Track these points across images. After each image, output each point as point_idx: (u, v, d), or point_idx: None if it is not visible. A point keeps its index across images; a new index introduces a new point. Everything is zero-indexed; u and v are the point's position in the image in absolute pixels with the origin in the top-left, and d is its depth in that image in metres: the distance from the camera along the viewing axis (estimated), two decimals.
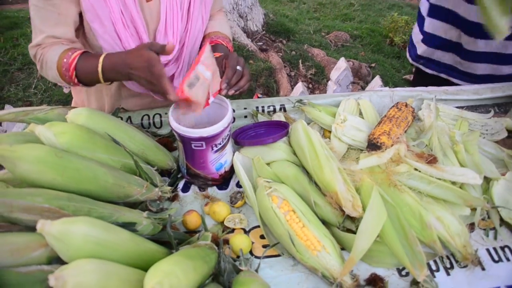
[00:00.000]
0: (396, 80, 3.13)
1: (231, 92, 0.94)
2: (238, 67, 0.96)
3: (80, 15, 1.00)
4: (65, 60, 0.95)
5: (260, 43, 3.21)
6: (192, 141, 0.89)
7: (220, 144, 0.91)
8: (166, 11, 1.04)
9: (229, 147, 0.97)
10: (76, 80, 0.97)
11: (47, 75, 1.02)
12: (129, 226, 0.75)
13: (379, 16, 4.18)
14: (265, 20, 3.62)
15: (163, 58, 1.08)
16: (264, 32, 3.44)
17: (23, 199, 0.71)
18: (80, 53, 0.96)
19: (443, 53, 1.48)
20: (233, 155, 0.98)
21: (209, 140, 0.88)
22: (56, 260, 0.67)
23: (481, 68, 1.42)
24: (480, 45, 1.35)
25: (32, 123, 0.87)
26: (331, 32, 3.74)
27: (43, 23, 0.97)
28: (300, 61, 2.96)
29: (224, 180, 1.01)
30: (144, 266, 0.66)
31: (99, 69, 0.93)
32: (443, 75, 1.53)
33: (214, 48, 1.11)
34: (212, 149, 0.91)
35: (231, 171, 1.01)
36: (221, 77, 0.93)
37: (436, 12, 1.41)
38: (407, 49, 1.72)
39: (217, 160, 0.95)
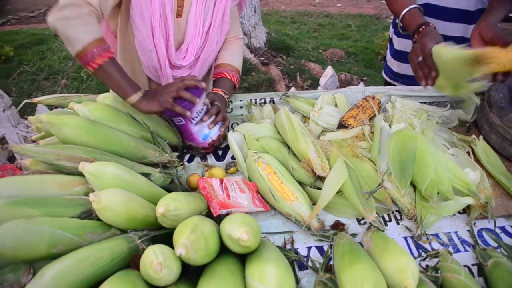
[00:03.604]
0: None
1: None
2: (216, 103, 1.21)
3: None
4: (95, 50, 1.03)
5: (262, 58, 3.50)
6: (173, 118, 1.13)
7: (197, 117, 1.14)
8: (190, 28, 1.29)
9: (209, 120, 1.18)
10: (91, 71, 1.07)
11: (61, 26, 1.03)
12: (145, 175, 0.97)
13: (373, 36, 4.47)
14: (268, 38, 3.92)
15: (182, 62, 1.33)
16: (266, 48, 3.73)
17: (67, 151, 0.94)
18: (112, 56, 1.07)
19: None
20: (217, 127, 1.19)
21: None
22: None
23: None
24: None
25: (71, 102, 1.11)
26: (328, 49, 4.03)
27: None
28: (297, 74, 3.23)
29: (215, 148, 1.22)
30: (156, 203, 0.87)
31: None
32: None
33: (217, 81, 1.36)
34: (192, 123, 1.13)
35: (219, 141, 1.22)
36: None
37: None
38: (383, 69, 1.88)
39: (201, 131, 1.16)
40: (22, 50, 3.91)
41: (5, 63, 3.68)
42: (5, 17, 5.42)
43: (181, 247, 0.68)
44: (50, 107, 1.92)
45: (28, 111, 2.70)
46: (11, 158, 2.47)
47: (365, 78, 3.49)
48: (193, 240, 0.70)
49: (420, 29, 1.18)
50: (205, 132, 1.17)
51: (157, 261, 0.68)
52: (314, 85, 3.08)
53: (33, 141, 1.44)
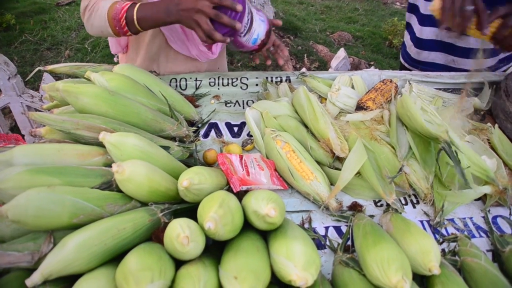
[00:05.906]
0: None
1: None
2: None
3: None
4: (117, 5, 1.09)
5: None
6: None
7: (244, 30, 1.10)
8: None
9: (255, 24, 1.12)
10: (125, 28, 1.10)
11: (92, 24, 1.14)
12: (164, 148, 0.96)
13: (381, 21, 4.41)
14: (275, 18, 3.85)
15: None
16: (273, 28, 3.66)
17: (86, 120, 0.92)
18: (131, 2, 1.10)
19: (436, 54, 1.63)
20: (263, 24, 1.15)
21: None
22: (110, 166, 0.87)
23: (470, 63, 1.60)
24: (471, 42, 1.51)
25: (88, 71, 1.08)
26: (335, 32, 3.98)
27: None
28: (305, 55, 3.18)
29: (264, 46, 1.21)
30: (176, 177, 0.87)
31: (134, 16, 1.08)
32: None
33: None
34: (241, 36, 1.11)
35: (268, 36, 1.19)
36: None
37: (426, 20, 1.57)
38: (400, 55, 1.85)
39: (250, 38, 1.13)
40: (24, 18, 3.80)
41: (6, 31, 3.58)
42: None
43: (210, 221, 0.67)
44: (55, 76, 1.89)
45: (30, 81, 2.65)
46: (13, 128, 2.44)
47: (372, 63, 3.46)
48: (221, 214, 0.69)
49: None
50: (254, 37, 1.14)
51: (184, 234, 0.67)
52: (321, 67, 3.05)
53: (38, 111, 1.41)
